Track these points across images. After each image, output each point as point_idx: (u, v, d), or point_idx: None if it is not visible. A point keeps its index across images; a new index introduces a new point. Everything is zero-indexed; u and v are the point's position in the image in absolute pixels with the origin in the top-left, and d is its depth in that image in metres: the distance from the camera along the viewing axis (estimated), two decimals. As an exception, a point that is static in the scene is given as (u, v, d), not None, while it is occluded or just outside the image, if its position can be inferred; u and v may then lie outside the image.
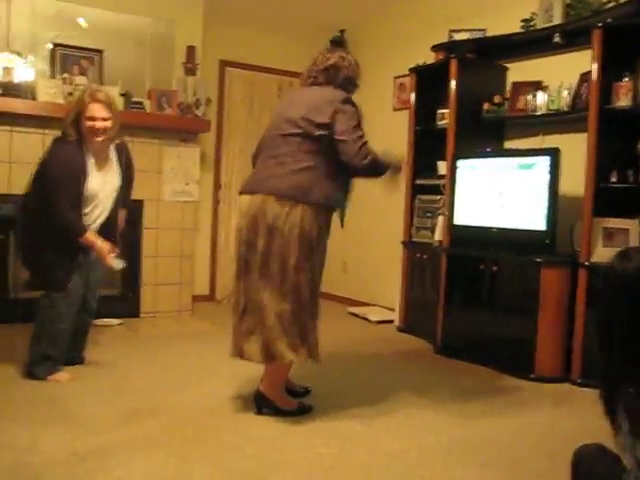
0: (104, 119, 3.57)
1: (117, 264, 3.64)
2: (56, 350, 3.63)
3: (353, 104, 3.14)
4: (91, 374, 3.73)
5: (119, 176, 3.82)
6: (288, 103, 3.28)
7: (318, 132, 3.04)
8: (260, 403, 3.17)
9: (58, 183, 3.49)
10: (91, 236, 3.57)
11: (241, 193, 3.20)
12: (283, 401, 3.18)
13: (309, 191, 3.01)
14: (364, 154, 3.05)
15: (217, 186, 6.66)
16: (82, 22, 5.27)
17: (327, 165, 3.07)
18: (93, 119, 3.54)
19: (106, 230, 3.76)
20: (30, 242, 3.68)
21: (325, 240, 3.18)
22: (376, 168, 3.18)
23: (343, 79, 3.26)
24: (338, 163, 3.08)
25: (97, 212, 3.70)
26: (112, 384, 3.57)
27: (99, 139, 3.58)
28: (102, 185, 3.69)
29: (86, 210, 3.63)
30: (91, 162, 3.62)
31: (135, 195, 4.95)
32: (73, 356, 3.87)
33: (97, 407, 3.17)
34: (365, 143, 3.08)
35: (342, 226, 3.30)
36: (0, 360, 3.89)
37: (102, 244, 3.58)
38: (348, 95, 3.18)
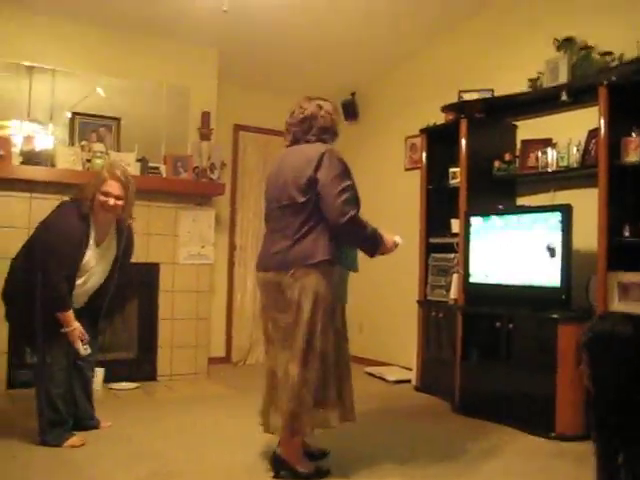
0: (118, 197, 3.63)
1: (83, 350, 3.61)
2: (59, 416, 3.58)
3: (333, 155, 3.07)
4: (108, 438, 3.71)
5: (115, 253, 3.84)
6: (277, 170, 3.24)
7: (305, 197, 3.04)
8: (277, 466, 3.13)
9: (55, 250, 3.50)
10: (70, 316, 3.54)
11: (257, 270, 3.28)
12: (301, 464, 3.13)
13: (313, 254, 3.02)
14: (341, 212, 2.98)
15: (232, 248, 6.71)
16: (100, 91, 5.42)
17: (324, 223, 3.05)
18: (107, 194, 3.61)
19: (95, 300, 3.82)
20: (19, 303, 3.63)
21: (344, 298, 3.21)
22: (360, 234, 3.11)
23: (319, 129, 3.20)
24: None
25: (89, 283, 3.73)
26: (129, 449, 3.55)
27: (108, 215, 3.66)
28: (98, 259, 3.72)
29: (78, 281, 3.64)
30: (92, 235, 3.65)
31: (151, 258, 5.01)
32: (86, 422, 3.85)
33: (114, 473, 3.15)
34: (347, 198, 3.00)
35: (356, 271, 3.29)
36: (20, 427, 3.87)
37: (75, 328, 3.56)
38: (327, 147, 3.11)
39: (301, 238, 3.05)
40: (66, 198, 4.25)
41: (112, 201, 3.61)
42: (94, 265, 3.70)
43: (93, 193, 3.60)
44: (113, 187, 3.62)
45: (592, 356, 1.94)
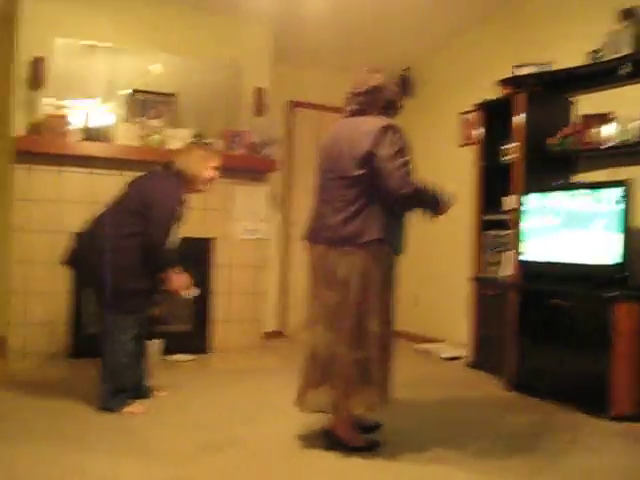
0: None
1: (193, 292, 3.92)
2: (123, 383, 3.73)
3: (395, 130, 3.01)
4: (165, 407, 3.83)
5: None
6: (332, 141, 3.18)
7: (361, 171, 2.99)
8: (328, 439, 3.17)
9: (169, 219, 3.73)
10: (172, 273, 3.77)
11: (306, 241, 3.24)
12: (351, 438, 3.15)
13: (362, 233, 2.98)
14: (403, 183, 2.93)
15: (287, 224, 6.78)
16: (157, 68, 5.50)
17: (377, 202, 3.02)
18: (217, 169, 3.97)
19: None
20: (111, 270, 3.69)
21: (391, 279, 3.13)
22: (421, 200, 3.08)
23: (385, 102, 3.14)
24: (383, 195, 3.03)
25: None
26: (185, 417, 3.66)
27: (205, 188, 3.97)
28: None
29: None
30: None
31: (207, 233, 5.09)
32: (141, 390, 3.97)
33: (171, 439, 3.26)
34: (407, 172, 2.96)
35: (399, 254, 3.18)
36: (81, 393, 4.03)
37: (178, 277, 3.79)
38: (389, 121, 3.04)
39: (354, 215, 3.00)
40: (125, 173, 4.40)
41: (217, 175, 3.98)
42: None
43: (197, 169, 3.87)
44: (219, 162, 3.99)
45: None
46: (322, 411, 3.15)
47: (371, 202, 3.02)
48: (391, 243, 3.09)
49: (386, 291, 3.09)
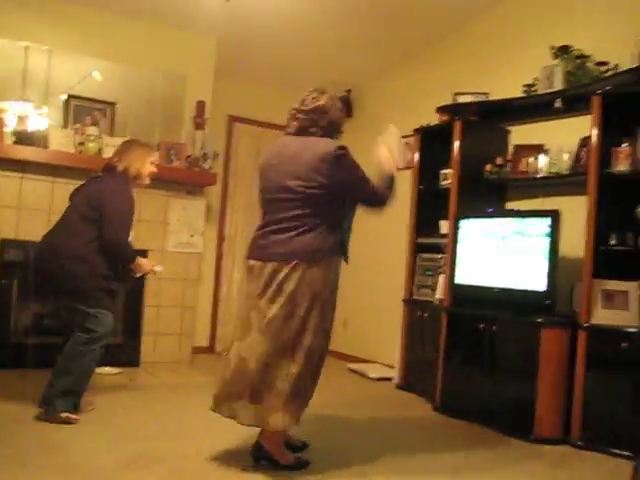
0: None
1: (159, 268, 4.13)
2: (81, 387, 3.75)
3: (345, 154, 3.05)
4: (90, 421, 3.71)
5: None
6: (276, 159, 3.16)
7: (310, 191, 3.00)
8: (258, 455, 3.13)
9: (126, 218, 3.83)
10: (140, 259, 3.96)
11: (249, 257, 3.20)
12: (281, 454, 3.13)
13: (311, 249, 3.00)
14: (382, 195, 3.18)
15: (221, 239, 6.73)
16: (96, 75, 5.40)
17: (327, 217, 3.05)
18: (156, 164, 4.09)
19: None
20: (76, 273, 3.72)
21: (335, 295, 3.17)
22: (391, 189, 3.26)
23: (327, 123, 3.15)
24: (337, 210, 3.10)
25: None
26: (111, 432, 3.56)
27: (148, 182, 4.06)
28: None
29: None
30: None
31: (140, 245, 5.03)
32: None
33: (96, 454, 3.16)
34: (374, 187, 3.15)
35: (347, 262, 3.23)
36: (5, 404, 3.89)
37: (146, 261, 4.04)
38: (337, 144, 3.06)
39: (305, 232, 3.01)
40: (57, 179, 4.32)
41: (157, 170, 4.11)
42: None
43: (140, 165, 3.95)
44: (157, 157, 4.14)
45: None
46: (244, 423, 3.08)
47: (323, 219, 3.04)
48: (340, 254, 3.16)
49: (329, 307, 3.12)
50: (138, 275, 4.06)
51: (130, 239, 3.89)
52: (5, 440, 3.28)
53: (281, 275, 3.00)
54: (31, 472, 2.86)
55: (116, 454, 3.18)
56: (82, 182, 4.02)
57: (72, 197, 3.96)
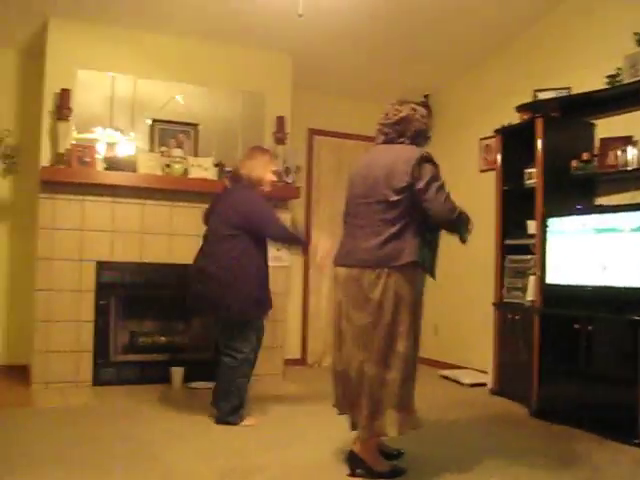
0: None
1: None
2: (242, 400, 4.07)
3: (430, 161, 3.11)
4: (187, 434, 3.83)
5: None
6: (366, 168, 3.25)
7: (399, 197, 3.05)
8: (353, 464, 3.15)
9: (269, 209, 4.10)
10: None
11: (336, 265, 3.28)
12: (377, 463, 3.15)
13: (399, 255, 3.03)
14: (449, 208, 3.08)
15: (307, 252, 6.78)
16: (179, 99, 5.59)
17: (413, 225, 3.08)
18: (275, 173, 4.34)
19: None
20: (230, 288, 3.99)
21: (421, 301, 3.18)
22: (460, 223, 3.17)
23: (414, 132, 3.23)
24: (423, 220, 3.10)
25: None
26: (208, 444, 3.65)
27: (269, 189, 4.25)
28: None
29: None
30: None
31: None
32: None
33: (195, 465, 3.25)
34: (448, 196, 3.08)
35: (434, 278, 3.25)
36: (106, 420, 4.07)
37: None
38: (423, 151, 3.13)
39: (390, 238, 3.05)
40: (147, 202, 4.54)
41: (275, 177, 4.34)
42: None
43: (262, 172, 4.15)
44: (277, 165, 4.36)
45: None
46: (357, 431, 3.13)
47: (407, 226, 3.07)
48: (425, 266, 3.15)
49: (416, 313, 3.13)
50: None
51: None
52: (107, 453, 3.41)
53: (366, 282, 3.04)
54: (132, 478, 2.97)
55: (214, 464, 3.25)
56: (207, 204, 4.38)
57: (210, 214, 4.25)
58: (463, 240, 3.25)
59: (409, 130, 3.21)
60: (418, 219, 3.09)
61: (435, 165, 3.12)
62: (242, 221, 4.00)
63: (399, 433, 3.04)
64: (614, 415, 3.95)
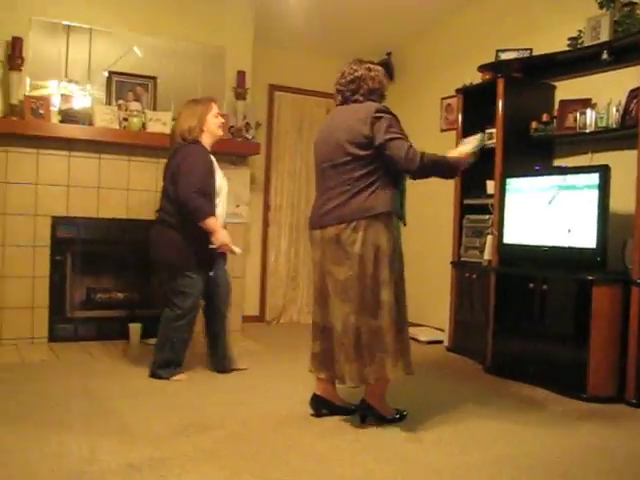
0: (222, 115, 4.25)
1: (237, 250, 4.12)
2: (178, 356, 4.08)
3: (387, 112, 3.17)
4: (144, 390, 3.83)
5: (227, 184, 4.26)
6: (327, 131, 3.33)
7: (363, 152, 3.13)
8: (365, 412, 3.28)
9: (191, 171, 3.89)
10: (214, 222, 3.95)
11: (311, 229, 3.35)
12: (386, 410, 3.31)
13: (373, 206, 3.12)
14: (413, 156, 3.09)
15: (267, 208, 6.76)
16: (136, 51, 5.44)
17: (383, 178, 3.17)
18: (220, 115, 4.20)
19: None
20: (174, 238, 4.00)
21: (400, 249, 3.30)
22: (439, 169, 3.29)
23: (367, 90, 3.28)
24: (391, 170, 3.17)
25: (221, 208, 4.10)
26: (165, 400, 3.65)
27: (222, 133, 4.20)
28: (222, 183, 4.13)
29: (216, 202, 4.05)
30: (215, 164, 4.09)
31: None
32: (224, 365, 4.26)
33: (151, 421, 3.25)
34: (410, 146, 3.12)
35: (404, 224, 3.35)
36: (63, 376, 4.04)
37: (224, 231, 4.02)
38: (379, 105, 3.20)
39: (360, 191, 3.14)
40: (103, 156, 4.45)
41: (222, 119, 4.23)
42: (222, 188, 4.13)
43: (203, 121, 4.06)
44: (218, 107, 4.20)
45: None
46: (349, 384, 3.18)
47: (376, 178, 3.16)
48: (398, 214, 3.25)
49: (397, 262, 3.25)
50: (215, 246, 4.03)
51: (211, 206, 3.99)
52: (64, 408, 3.39)
53: (344, 238, 3.13)
54: (89, 436, 2.97)
55: (172, 420, 3.26)
56: (165, 159, 4.26)
57: (165, 170, 4.18)
58: (451, 177, 3.55)
59: (362, 88, 3.28)
60: (386, 170, 3.17)
61: (393, 115, 3.18)
62: (173, 177, 4.00)
63: (394, 376, 3.16)
64: (565, 371, 4.06)
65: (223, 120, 4.28)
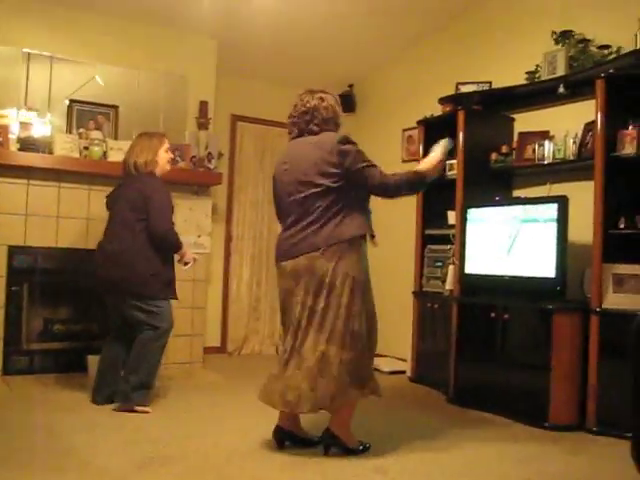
0: None
1: (197, 257, 4.53)
2: (152, 378, 4.07)
3: (351, 141, 3.21)
4: (104, 424, 3.73)
5: None
6: (289, 164, 3.31)
7: (333, 183, 3.16)
8: (329, 442, 3.25)
9: (164, 206, 4.09)
10: (185, 247, 4.28)
11: (279, 261, 3.31)
12: (351, 440, 3.28)
13: (344, 232, 3.15)
14: (387, 180, 3.20)
15: (229, 238, 6.73)
16: (98, 80, 5.40)
17: (349, 202, 3.19)
18: (171, 151, 4.38)
19: None
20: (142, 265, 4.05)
21: (369, 278, 3.30)
22: (411, 186, 3.36)
23: (321, 120, 3.30)
24: (359, 194, 3.23)
25: None
26: (124, 435, 3.55)
27: (169, 168, 4.35)
28: None
29: None
30: None
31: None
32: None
33: (112, 456, 3.16)
34: (381, 172, 3.21)
35: (375, 245, 3.34)
36: (19, 411, 3.92)
37: (187, 248, 4.36)
38: (340, 135, 3.24)
39: (330, 219, 3.16)
40: (63, 184, 4.36)
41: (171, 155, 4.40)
42: None
43: (155, 155, 4.19)
44: (167, 143, 4.32)
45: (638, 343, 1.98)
46: (307, 410, 3.15)
47: (343, 205, 3.18)
48: (370, 233, 3.29)
49: (368, 291, 3.26)
50: (185, 265, 4.33)
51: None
52: (21, 444, 3.28)
53: (317, 265, 3.12)
54: (46, 473, 2.88)
55: (133, 456, 3.17)
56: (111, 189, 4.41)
57: (112, 198, 4.28)
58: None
59: (316, 118, 3.29)
60: (354, 195, 3.21)
61: (354, 144, 3.22)
62: (145, 206, 4.07)
63: (362, 397, 3.23)
64: (527, 400, 4.08)
65: (172, 155, 4.44)
